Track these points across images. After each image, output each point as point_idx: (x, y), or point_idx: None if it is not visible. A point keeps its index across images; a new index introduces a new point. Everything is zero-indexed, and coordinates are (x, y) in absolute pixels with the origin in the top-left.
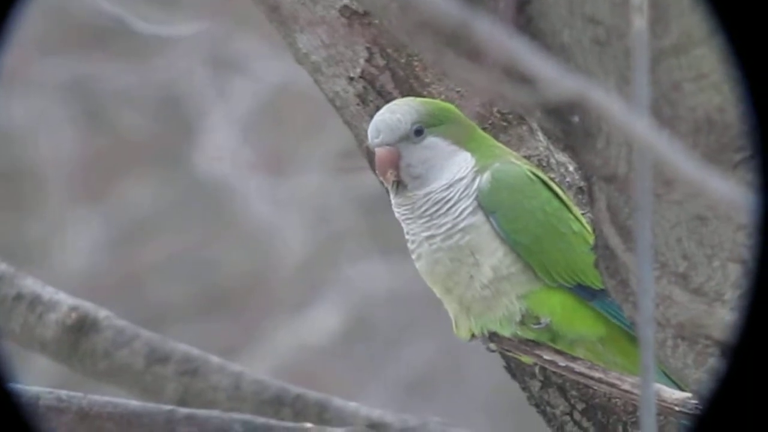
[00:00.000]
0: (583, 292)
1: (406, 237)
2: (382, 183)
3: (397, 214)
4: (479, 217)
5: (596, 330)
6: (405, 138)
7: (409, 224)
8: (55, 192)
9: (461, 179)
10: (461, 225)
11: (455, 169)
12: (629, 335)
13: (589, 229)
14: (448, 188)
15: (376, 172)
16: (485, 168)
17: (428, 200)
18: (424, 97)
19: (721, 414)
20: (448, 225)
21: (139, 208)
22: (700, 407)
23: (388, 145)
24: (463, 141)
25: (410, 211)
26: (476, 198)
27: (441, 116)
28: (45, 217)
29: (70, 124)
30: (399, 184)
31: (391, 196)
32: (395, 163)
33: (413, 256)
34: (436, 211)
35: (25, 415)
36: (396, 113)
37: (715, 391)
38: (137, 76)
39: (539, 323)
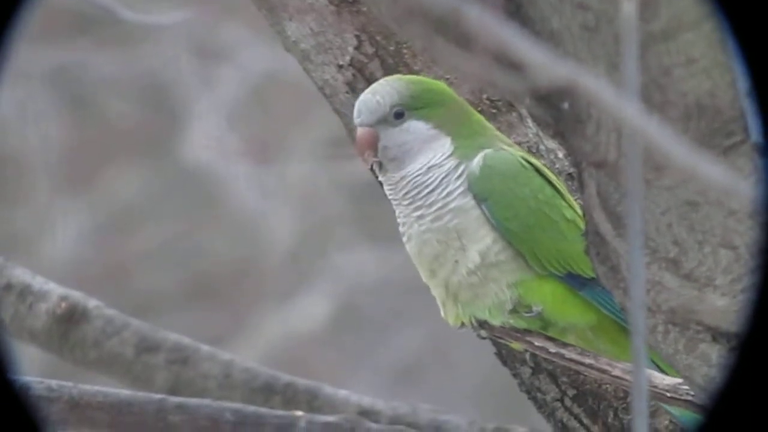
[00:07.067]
0: (574, 281)
1: (398, 220)
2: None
3: (388, 196)
4: (468, 201)
5: (587, 318)
6: (384, 120)
7: (397, 206)
8: (42, 181)
9: (438, 165)
10: (451, 206)
11: (430, 154)
12: (619, 324)
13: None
14: (426, 172)
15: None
16: (468, 155)
17: (407, 183)
18: None
19: (730, 407)
20: (438, 205)
21: (126, 196)
22: (706, 399)
23: (368, 126)
24: (447, 125)
25: (395, 192)
26: (465, 182)
27: (426, 99)
28: (31, 207)
29: (56, 112)
30: (381, 165)
31: (379, 176)
32: (373, 144)
33: (404, 239)
34: (418, 193)
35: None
36: (377, 94)
37: (723, 384)
38: (123, 65)
39: (531, 311)
